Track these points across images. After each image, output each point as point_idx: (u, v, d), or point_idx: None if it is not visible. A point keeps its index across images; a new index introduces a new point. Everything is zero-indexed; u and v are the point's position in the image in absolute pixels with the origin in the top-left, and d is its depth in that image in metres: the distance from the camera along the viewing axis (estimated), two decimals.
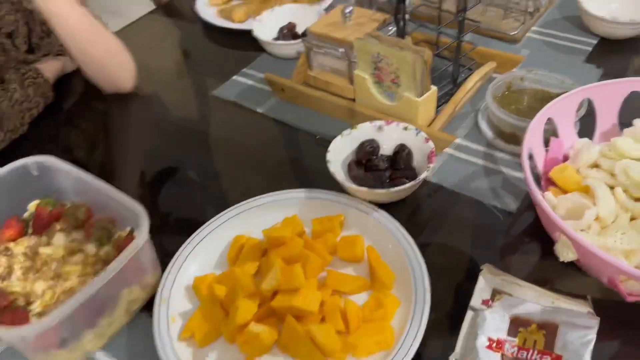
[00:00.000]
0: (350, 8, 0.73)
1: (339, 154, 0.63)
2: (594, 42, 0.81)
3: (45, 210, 0.57)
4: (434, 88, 0.67)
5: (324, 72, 0.77)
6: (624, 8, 0.82)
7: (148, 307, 0.52)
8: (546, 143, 0.59)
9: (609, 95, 0.61)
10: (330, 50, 0.73)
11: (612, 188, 0.52)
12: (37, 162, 0.59)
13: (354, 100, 0.74)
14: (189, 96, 0.84)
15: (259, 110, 0.77)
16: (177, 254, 0.55)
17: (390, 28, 0.74)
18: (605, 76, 0.75)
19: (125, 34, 0.99)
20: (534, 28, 0.85)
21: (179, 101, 0.83)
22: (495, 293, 0.48)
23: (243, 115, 0.77)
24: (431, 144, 0.61)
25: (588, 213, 0.49)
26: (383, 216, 0.57)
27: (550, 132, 0.60)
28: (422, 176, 0.58)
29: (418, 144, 0.63)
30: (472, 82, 0.71)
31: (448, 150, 0.67)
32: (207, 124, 0.78)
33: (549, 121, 0.59)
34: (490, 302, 0.47)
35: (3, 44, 0.77)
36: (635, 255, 0.47)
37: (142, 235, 0.49)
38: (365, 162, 0.64)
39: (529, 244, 0.55)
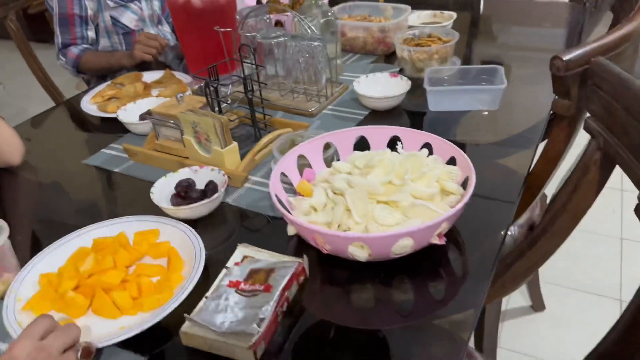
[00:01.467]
0: (181, 95, 1.02)
1: (163, 190, 0.89)
2: (366, 113, 1.14)
3: None
4: (234, 143, 0.95)
5: (168, 140, 1.04)
6: (385, 89, 1.16)
7: None
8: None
9: (345, 138, 0.91)
10: (167, 123, 1.01)
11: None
12: None
13: (187, 157, 1.01)
14: (67, 165, 1.08)
15: (116, 170, 1.02)
16: (33, 259, 0.76)
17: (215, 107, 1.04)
18: None
19: (31, 123, 1.25)
20: (329, 106, 1.18)
21: (59, 169, 1.08)
22: (244, 257, 0.73)
23: (104, 175, 1.02)
24: (226, 178, 0.88)
25: (304, 203, 0.76)
26: (184, 227, 0.80)
27: (306, 165, 0.88)
28: (214, 196, 0.84)
29: (221, 179, 0.89)
30: (265, 140, 1.00)
31: (248, 184, 0.94)
32: (78, 183, 1.02)
33: (303, 157, 0.88)
34: (239, 263, 0.72)
35: None
36: (332, 225, 0.74)
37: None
38: (183, 194, 0.89)
39: (280, 231, 0.81)
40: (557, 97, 0.80)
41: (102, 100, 1.29)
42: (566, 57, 0.72)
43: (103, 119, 1.22)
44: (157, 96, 1.28)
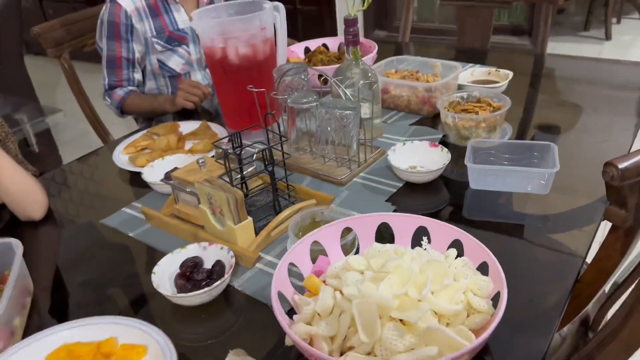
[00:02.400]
0: (203, 159, 0.98)
1: (168, 268, 0.83)
2: (400, 185, 1.04)
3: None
4: (249, 219, 0.88)
5: (186, 205, 1.00)
6: (423, 159, 1.07)
7: None
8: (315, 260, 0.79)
9: (365, 224, 0.82)
10: (186, 189, 0.97)
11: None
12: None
13: (203, 227, 0.95)
14: (87, 223, 1.06)
15: (131, 234, 0.99)
16: (8, 351, 0.71)
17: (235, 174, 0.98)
18: (396, 212, 0.97)
19: (64, 170, 1.25)
20: (362, 174, 1.10)
21: (79, 227, 1.05)
22: None
23: (119, 239, 0.98)
24: (233, 261, 0.82)
25: (306, 308, 0.68)
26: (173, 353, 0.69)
27: (321, 252, 0.80)
28: (216, 284, 0.77)
29: (228, 261, 0.83)
30: (284, 214, 0.93)
31: (259, 265, 0.87)
32: (92, 246, 0.99)
33: (318, 243, 0.80)
34: None
35: None
36: (336, 341, 0.65)
37: None
38: (188, 274, 0.83)
39: (281, 335, 0.73)
40: (611, 205, 0.68)
41: (135, 151, 1.27)
42: (622, 165, 0.61)
43: (132, 172, 1.20)
44: (188, 150, 1.25)
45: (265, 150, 0.90)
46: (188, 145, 1.30)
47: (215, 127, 1.34)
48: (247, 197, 0.99)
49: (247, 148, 0.98)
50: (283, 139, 0.93)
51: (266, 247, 0.91)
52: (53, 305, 0.85)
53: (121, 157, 1.25)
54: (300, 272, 0.78)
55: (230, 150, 0.94)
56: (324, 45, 1.73)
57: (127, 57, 1.58)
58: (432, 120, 1.30)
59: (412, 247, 0.79)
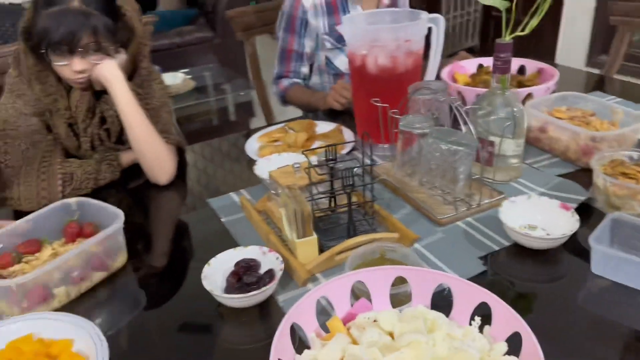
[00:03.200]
0: (299, 164, 0.96)
1: (225, 262, 0.84)
2: (507, 244, 0.88)
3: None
4: (314, 236, 0.84)
5: (275, 205, 1.00)
6: (546, 221, 0.89)
7: None
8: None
9: (421, 279, 0.71)
10: (274, 190, 0.97)
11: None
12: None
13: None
14: (198, 197, 1.14)
15: (223, 219, 1.03)
16: None
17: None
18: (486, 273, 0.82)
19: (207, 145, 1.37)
20: (469, 218, 0.96)
21: (191, 199, 1.15)
22: None
23: (211, 221, 1.03)
24: (280, 272, 0.79)
25: (307, 353, 0.62)
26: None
27: (366, 295, 0.73)
28: (251, 293, 0.76)
29: (277, 273, 0.81)
30: (355, 241, 0.86)
31: (310, 286, 0.83)
32: (191, 220, 1.06)
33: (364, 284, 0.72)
34: None
35: (100, 134, 1.18)
36: None
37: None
38: (241, 274, 0.83)
39: None
40: None
41: (267, 141, 1.32)
42: None
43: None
44: (312, 150, 1.24)
45: (353, 169, 0.84)
46: (315, 145, 1.30)
47: (348, 133, 1.31)
48: (333, 212, 0.95)
49: (347, 162, 0.93)
50: (373, 162, 0.86)
51: (327, 270, 0.86)
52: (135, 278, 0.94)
53: (254, 145, 1.31)
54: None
55: (323, 161, 0.91)
56: None
57: (297, 50, 1.65)
58: (588, 175, 1.07)
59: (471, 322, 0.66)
